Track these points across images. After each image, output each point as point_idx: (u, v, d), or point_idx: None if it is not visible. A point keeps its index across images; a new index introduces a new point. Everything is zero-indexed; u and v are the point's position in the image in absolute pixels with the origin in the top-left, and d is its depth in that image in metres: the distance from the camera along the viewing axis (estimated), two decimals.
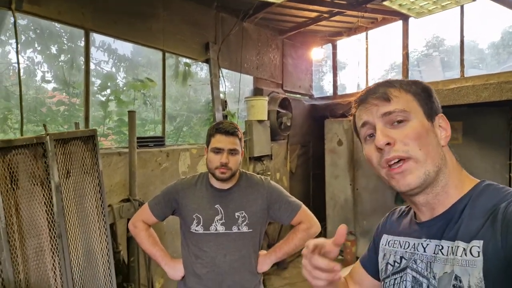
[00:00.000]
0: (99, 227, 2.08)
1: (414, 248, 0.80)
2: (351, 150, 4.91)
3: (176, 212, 1.78)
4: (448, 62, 7.02)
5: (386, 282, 0.86)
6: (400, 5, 3.92)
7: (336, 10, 4.45)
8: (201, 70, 4.88)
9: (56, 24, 3.01)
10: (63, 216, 1.86)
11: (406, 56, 4.87)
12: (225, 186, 1.72)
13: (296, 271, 4.72)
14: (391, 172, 0.74)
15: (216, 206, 1.70)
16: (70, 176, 1.93)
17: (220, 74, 4.34)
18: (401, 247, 0.84)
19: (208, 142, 1.70)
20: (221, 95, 4.35)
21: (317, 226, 1.77)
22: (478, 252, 0.64)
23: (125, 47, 3.73)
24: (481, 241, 0.65)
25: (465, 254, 0.66)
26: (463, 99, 4.06)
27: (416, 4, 3.89)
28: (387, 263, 0.87)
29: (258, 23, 4.86)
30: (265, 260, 1.78)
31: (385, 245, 0.90)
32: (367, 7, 4.30)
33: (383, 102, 0.77)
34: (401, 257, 0.83)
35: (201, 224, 1.68)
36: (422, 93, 0.79)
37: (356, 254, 4.83)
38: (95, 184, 2.06)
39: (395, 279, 0.83)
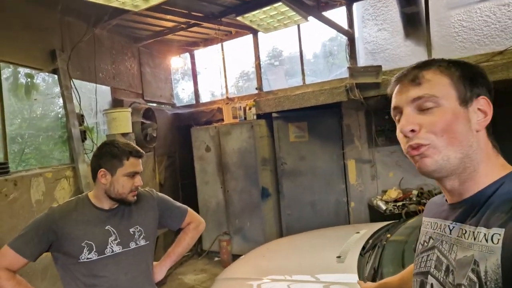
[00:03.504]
0: None
1: (441, 229, 0.82)
2: (219, 155, 5.13)
3: (54, 246, 1.55)
4: (287, 70, 8.09)
5: (416, 260, 0.89)
6: (251, 21, 4.34)
7: (193, 21, 4.58)
8: (43, 82, 4.23)
9: None
10: None
11: (258, 66, 5.42)
12: (114, 205, 1.65)
13: (175, 284, 4.63)
14: (411, 155, 0.76)
15: (107, 227, 1.60)
16: None
17: (73, 86, 3.88)
18: (431, 227, 0.87)
19: (114, 166, 1.58)
20: (76, 109, 3.89)
21: (203, 223, 1.93)
22: (498, 240, 0.64)
23: None
24: (503, 229, 0.64)
25: (486, 240, 0.66)
26: (306, 103, 4.80)
27: (264, 21, 4.38)
28: (419, 243, 0.90)
29: (111, 30, 4.54)
30: (161, 268, 1.81)
31: (422, 227, 0.93)
32: (222, 20, 4.59)
33: (413, 86, 0.76)
34: (430, 237, 0.86)
35: (94, 250, 1.54)
36: (463, 75, 0.75)
37: (231, 252, 5.06)
38: None
39: (422, 257, 0.86)
